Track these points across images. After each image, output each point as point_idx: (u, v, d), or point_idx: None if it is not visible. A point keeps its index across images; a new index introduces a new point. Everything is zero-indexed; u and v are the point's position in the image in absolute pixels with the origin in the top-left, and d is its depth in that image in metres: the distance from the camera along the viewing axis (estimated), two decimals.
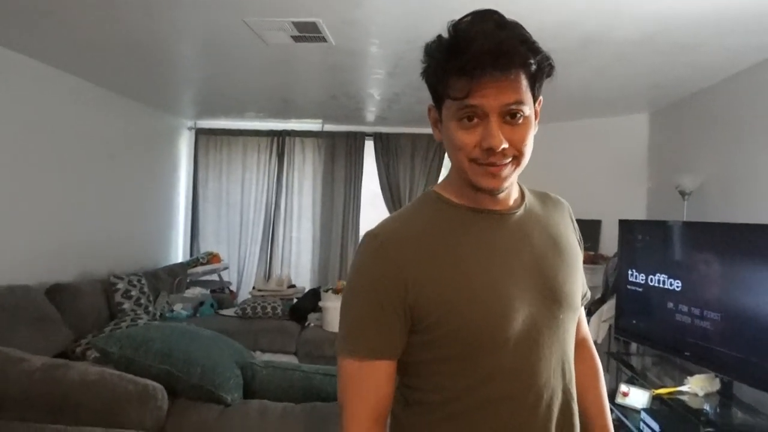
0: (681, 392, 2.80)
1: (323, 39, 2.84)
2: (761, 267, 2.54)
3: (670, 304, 3.05)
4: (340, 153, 5.65)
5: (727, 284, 2.76)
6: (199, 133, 5.81)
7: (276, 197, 5.70)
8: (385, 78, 3.73)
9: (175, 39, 3.02)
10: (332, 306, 4.15)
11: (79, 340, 3.28)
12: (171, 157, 5.56)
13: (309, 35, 2.80)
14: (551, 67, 0.89)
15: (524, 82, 0.86)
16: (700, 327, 2.85)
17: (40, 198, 3.64)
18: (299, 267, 5.69)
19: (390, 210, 5.60)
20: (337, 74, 3.67)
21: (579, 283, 1.01)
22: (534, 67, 0.86)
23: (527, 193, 1.03)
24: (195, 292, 4.78)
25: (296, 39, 2.86)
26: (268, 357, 3.82)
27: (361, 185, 5.67)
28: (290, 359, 4.05)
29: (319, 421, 1.62)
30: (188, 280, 4.95)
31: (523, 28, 0.87)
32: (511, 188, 0.95)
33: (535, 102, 0.91)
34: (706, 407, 2.66)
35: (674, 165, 3.92)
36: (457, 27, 0.88)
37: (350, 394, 0.89)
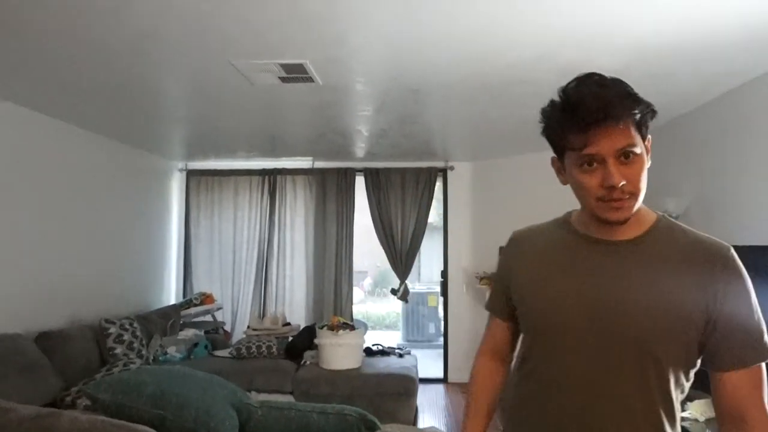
0: (682, 419, 2.77)
1: (310, 79, 2.91)
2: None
3: None
4: (331, 189, 5.70)
5: None
6: (191, 174, 5.84)
7: (269, 235, 5.71)
8: (373, 114, 3.80)
9: (163, 81, 3.08)
10: (328, 343, 4.10)
11: (69, 389, 3.21)
12: (162, 198, 5.57)
13: (296, 76, 2.87)
14: (653, 111, 1.03)
15: (632, 128, 0.99)
16: None
17: (28, 243, 3.63)
18: (293, 304, 5.65)
19: (382, 243, 5.61)
20: (325, 112, 3.73)
21: (666, 337, 1.00)
22: (638, 115, 0.99)
23: (660, 231, 1.09)
24: (188, 333, 4.72)
25: (284, 80, 2.93)
26: (264, 397, 3.75)
27: (353, 220, 5.70)
28: (287, 399, 3.98)
29: None
30: (181, 322, 4.89)
31: (625, 84, 1.03)
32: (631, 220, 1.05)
33: (644, 140, 1.03)
34: None
35: (659, 190, 3.98)
36: (565, 91, 1.06)
37: (484, 332, 1.37)
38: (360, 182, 5.72)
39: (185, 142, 5.09)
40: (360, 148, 5.01)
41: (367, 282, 12.47)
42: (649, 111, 1.02)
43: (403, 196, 5.60)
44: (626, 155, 0.98)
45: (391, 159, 5.54)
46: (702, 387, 2.81)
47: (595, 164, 0.99)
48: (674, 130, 3.85)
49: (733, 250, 1.05)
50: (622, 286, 1.02)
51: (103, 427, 1.60)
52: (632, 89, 1.02)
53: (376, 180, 5.64)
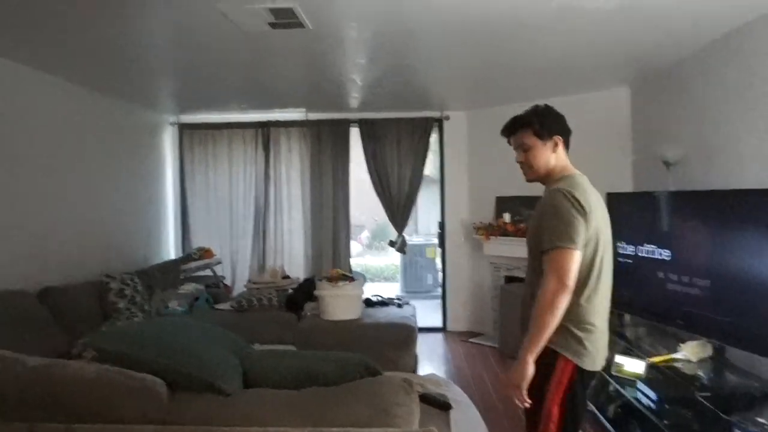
0: (675, 360, 2.85)
1: (300, 24, 2.81)
2: (747, 231, 2.58)
3: (660, 274, 3.09)
4: (326, 141, 5.63)
5: (715, 250, 2.80)
6: (183, 128, 5.75)
7: (265, 189, 5.68)
8: (367, 63, 3.71)
9: (150, 31, 2.98)
10: (328, 294, 4.15)
11: (75, 342, 3.26)
12: (156, 153, 5.51)
13: (286, 21, 2.77)
14: (542, 125, 1.92)
15: (530, 133, 1.91)
16: (691, 294, 2.89)
17: (26, 201, 3.60)
18: (292, 257, 5.69)
19: (379, 195, 5.60)
20: (317, 60, 3.64)
21: (535, 240, 1.81)
22: (535, 127, 1.90)
23: (549, 189, 1.87)
24: (189, 288, 4.76)
25: (273, 26, 2.83)
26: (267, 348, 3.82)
27: (348, 172, 5.67)
28: (289, 350, 4.05)
29: (319, 404, 1.62)
30: (182, 277, 4.93)
31: (534, 111, 1.95)
32: (546, 181, 1.93)
33: (541, 138, 1.90)
34: (701, 373, 2.71)
35: (658, 136, 3.95)
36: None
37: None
38: (355, 134, 5.65)
39: (176, 95, 4.99)
40: (354, 99, 4.92)
41: (365, 235, 12.53)
42: (534, 121, 1.90)
43: (399, 147, 5.55)
44: (524, 149, 1.92)
45: (386, 110, 5.45)
46: (695, 330, 2.86)
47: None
48: (672, 75, 3.78)
49: (560, 191, 1.78)
50: (532, 218, 1.92)
51: (109, 375, 1.62)
52: (527, 117, 1.93)
53: (371, 131, 5.57)
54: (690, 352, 2.83)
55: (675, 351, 2.91)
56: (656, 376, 2.83)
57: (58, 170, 3.93)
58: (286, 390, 1.74)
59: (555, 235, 1.72)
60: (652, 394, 2.76)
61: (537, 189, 1.96)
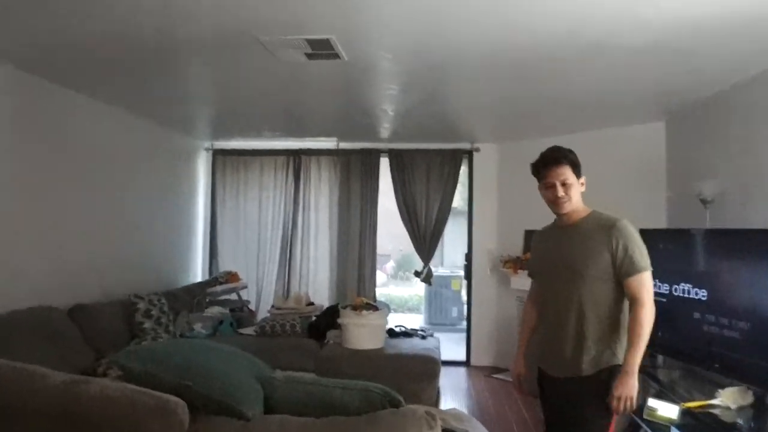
0: (712, 405, 2.71)
1: (336, 56, 2.88)
2: None
3: (697, 315, 2.98)
4: (356, 170, 5.68)
5: (755, 291, 2.68)
6: (216, 153, 5.89)
7: (293, 216, 5.74)
8: (398, 93, 3.76)
9: (190, 57, 3.08)
10: (351, 323, 4.12)
11: (100, 360, 3.29)
12: (189, 177, 5.64)
13: (322, 52, 2.84)
14: (578, 164, 2.10)
15: (568, 169, 2.06)
16: (729, 337, 2.76)
17: (62, 219, 3.71)
18: (317, 284, 5.69)
19: (406, 225, 5.59)
20: (350, 90, 3.70)
21: (590, 264, 2.01)
22: (570, 161, 2.07)
23: (588, 218, 2.10)
24: (214, 311, 4.79)
25: (310, 56, 2.90)
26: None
27: (377, 202, 5.68)
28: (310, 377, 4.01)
29: None
30: (207, 300, 4.97)
31: (567, 149, 2.11)
32: (572, 214, 2.11)
33: (578, 177, 2.09)
34: (740, 421, 2.57)
35: (694, 172, 3.85)
36: (541, 152, 2.14)
37: (530, 288, 2.45)
38: (384, 164, 5.69)
39: (212, 121, 5.13)
40: (385, 129, 4.97)
41: (390, 265, 12.48)
42: (576, 161, 2.09)
43: (428, 178, 5.55)
44: (563, 183, 2.05)
45: (416, 140, 5.49)
46: (733, 375, 2.73)
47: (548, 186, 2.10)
48: (709, 109, 3.71)
49: (622, 220, 2.03)
50: (570, 246, 2.09)
51: (132, 395, 1.63)
52: (569, 152, 2.09)
53: (400, 162, 5.60)
54: (728, 399, 2.69)
55: (711, 397, 2.77)
56: (691, 422, 2.69)
57: (96, 190, 4.05)
58: (306, 418, 1.71)
59: (643, 259, 1.98)
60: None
61: None
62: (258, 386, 1.83)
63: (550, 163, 2.07)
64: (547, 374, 2.18)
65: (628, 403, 1.91)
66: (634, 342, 1.93)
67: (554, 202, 2.08)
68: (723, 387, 2.77)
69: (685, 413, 2.73)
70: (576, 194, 2.07)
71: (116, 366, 1.78)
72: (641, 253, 1.98)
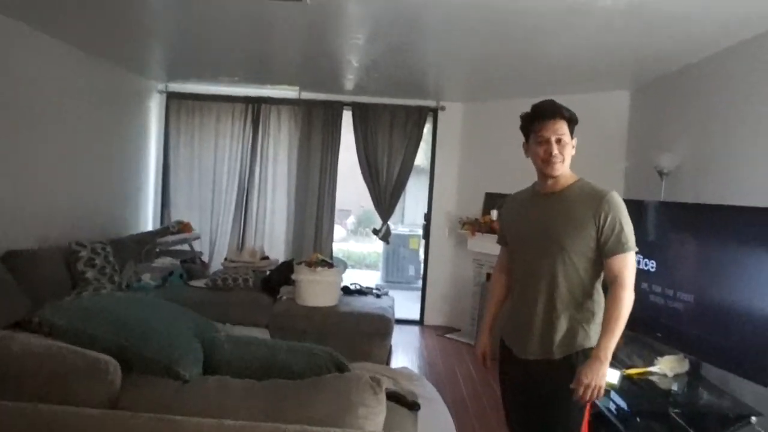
0: (651, 373, 2.80)
1: None
2: (734, 249, 2.53)
3: (645, 285, 3.04)
4: (318, 122, 5.50)
5: (702, 266, 2.75)
6: (171, 96, 5.57)
7: (250, 166, 5.55)
8: (364, 43, 3.59)
9: None
10: (305, 279, 4.06)
11: (37, 310, 3.14)
12: (140, 120, 5.34)
13: None
14: (576, 119, 1.87)
15: (565, 125, 1.84)
16: (673, 308, 2.84)
17: None
18: (273, 238, 5.58)
19: (366, 181, 5.50)
20: (314, 36, 3.51)
21: (573, 236, 1.83)
22: (568, 116, 1.84)
23: (574, 186, 1.90)
24: (164, 262, 4.65)
25: None
26: (238, 330, 3.73)
27: (338, 156, 5.55)
28: (262, 332, 3.97)
29: (280, 398, 1.54)
30: (157, 250, 4.80)
31: (563, 105, 1.86)
32: (559, 179, 1.89)
33: (572, 135, 1.86)
34: (675, 388, 2.67)
35: (654, 144, 3.88)
36: (533, 105, 1.88)
37: (498, 256, 2.24)
38: (347, 117, 5.52)
39: (166, 61, 4.83)
40: (349, 80, 4.79)
41: (351, 220, 12.42)
42: (574, 118, 1.86)
43: (391, 135, 5.44)
44: (558, 141, 1.82)
45: (380, 95, 5.33)
46: (674, 344, 2.82)
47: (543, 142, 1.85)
48: (674, 82, 3.71)
49: (613, 192, 1.85)
50: (551, 216, 1.88)
51: (58, 352, 1.52)
52: (567, 107, 1.85)
53: (364, 115, 5.45)
54: (666, 366, 2.79)
55: (651, 364, 2.87)
56: (630, 387, 2.79)
57: (35, 129, 3.76)
58: (248, 379, 1.65)
59: (631, 238, 1.81)
60: (624, 406, 2.72)
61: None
62: (198, 345, 1.74)
63: (546, 115, 1.81)
64: (514, 355, 1.97)
65: (596, 392, 1.74)
66: (611, 326, 1.75)
67: (546, 161, 1.82)
68: (662, 355, 2.87)
69: (625, 378, 2.83)
70: (569, 156, 1.84)
71: (43, 322, 1.66)
72: (629, 231, 1.80)
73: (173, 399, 1.56)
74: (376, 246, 9.53)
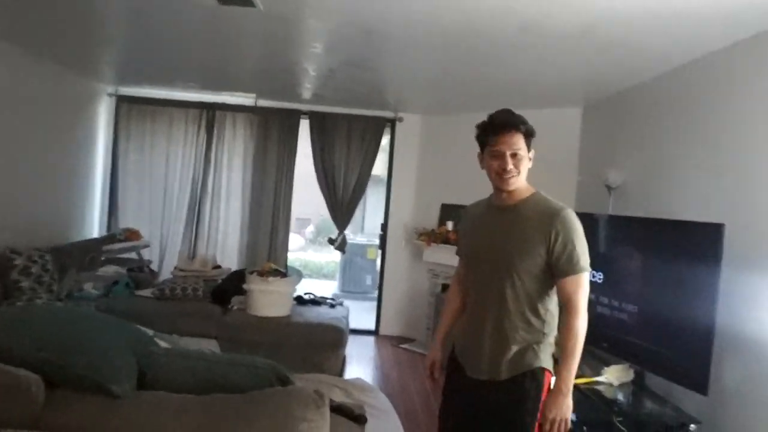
0: (597, 382, 2.85)
1: (251, 3, 2.63)
2: (676, 261, 2.61)
3: (592, 296, 3.07)
4: (274, 131, 5.42)
5: (645, 277, 2.83)
6: (121, 100, 5.39)
7: (203, 174, 5.41)
8: (322, 53, 3.56)
9: None
10: (256, 288, 3.97)
11: None
12: (87, 124, 5.13)
13: None
14: (533, 131, 1.81)
15: (521, 138, 1.77)
16: (619, 319, 2.91)
17: None
18: (226, 248, 5.44)
19: (323, 191, 5.45)
20: (269, 44, 3.46)
21: (524, 255, 1.77)
22: (524, 129, 1.78)
23: (529, 200, 1.84)
24: (109, 270, 4.46)
25: (221, 1, 2.64)
26: (185, 342, 3.60)
27: (294, 165, 5.48)
28: (210, 344, 3.85)
29: (219, 414, 1.48)
30: (103, 258, 4.60)
31: (520, 115, 1.81)
32: (513, 193, 1.83)
33: (528, 149, 1.80)
34: (620, 397, 2.73)
35: (604, 159, 4.00)
36: (490, 115, 1.82)
37: (456, 268, 2.20)
38: (305, 126, 5.47)
39: (116, 65, 4.67)
40: (307, 89, 4.75)
41: (310, 229, 12.30)
42: (531, 130, 1.80)
43: (349, 145, 5.41)
44: (514, 155, 1.76)
45: (338, 105, 5.31)
46: (619, 354, 2.88)
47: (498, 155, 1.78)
48: (623, 101, 3.83)
49: (567, 210, 1.78)
50: (502, 232, 1.84)
51: None
52: (524, 119, 1.80)
53: (321, 125, 5.41)
54: (612, 376, 2.85)
55: (598, 373, 2.92)
56: (578, 397, 2.82)
57: None
58: (185, 395, 1.58)
59: (583, 259, 1.75)
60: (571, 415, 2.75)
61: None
62: (132, 360, 1.65)
63: (502, 128, 1.74)
64: (464, 373, 1.91)
65: (563, 426, 1.69)
66: (567, 359, 1.71)
67: (500, 175, 1.76)
68: (609, 364, 2.93)
69: (573, 388, 2.87)
70: (525, 170, 1.78)
71: None
72: (582, 251, 1.74)
73: (102, 417, 1.48)
74: (334, 255, 9.44)
